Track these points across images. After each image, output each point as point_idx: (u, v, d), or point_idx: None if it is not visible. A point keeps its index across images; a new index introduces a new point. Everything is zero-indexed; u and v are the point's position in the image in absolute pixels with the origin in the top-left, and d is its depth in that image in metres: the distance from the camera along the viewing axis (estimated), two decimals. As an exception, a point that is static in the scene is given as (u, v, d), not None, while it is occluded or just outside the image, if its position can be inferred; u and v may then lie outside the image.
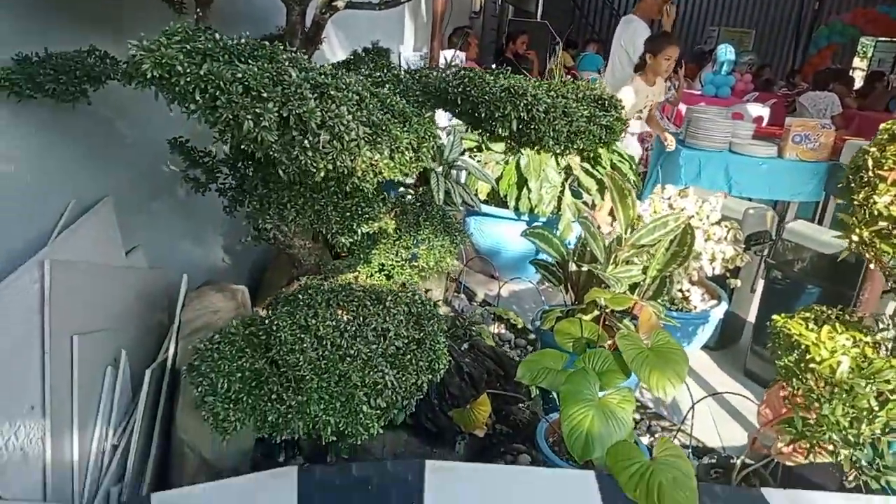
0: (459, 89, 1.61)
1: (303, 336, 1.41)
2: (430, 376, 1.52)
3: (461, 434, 2.26)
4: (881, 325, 1.81)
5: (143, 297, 2.16)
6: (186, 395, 1.79)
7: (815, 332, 1.64)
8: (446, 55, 4.85)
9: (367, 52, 2.52)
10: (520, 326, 3.21)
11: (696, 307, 3.00)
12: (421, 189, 3.09)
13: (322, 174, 1.22)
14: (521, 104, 1.52)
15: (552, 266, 2.55)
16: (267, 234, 1.90)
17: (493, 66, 8.02)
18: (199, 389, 1.47)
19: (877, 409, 1.47)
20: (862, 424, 1.48)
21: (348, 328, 1.46)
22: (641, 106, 4.32)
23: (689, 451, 2.47)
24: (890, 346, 1.75)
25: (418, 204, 2.48)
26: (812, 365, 1.57)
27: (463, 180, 3.55)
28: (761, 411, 1.96)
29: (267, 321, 1.48)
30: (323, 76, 1.24)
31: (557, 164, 3.72)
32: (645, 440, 2.65)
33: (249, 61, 1.21)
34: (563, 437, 1.61)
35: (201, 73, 1.16)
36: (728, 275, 3.04)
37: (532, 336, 3.30)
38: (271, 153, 1.20)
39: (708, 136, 4.15)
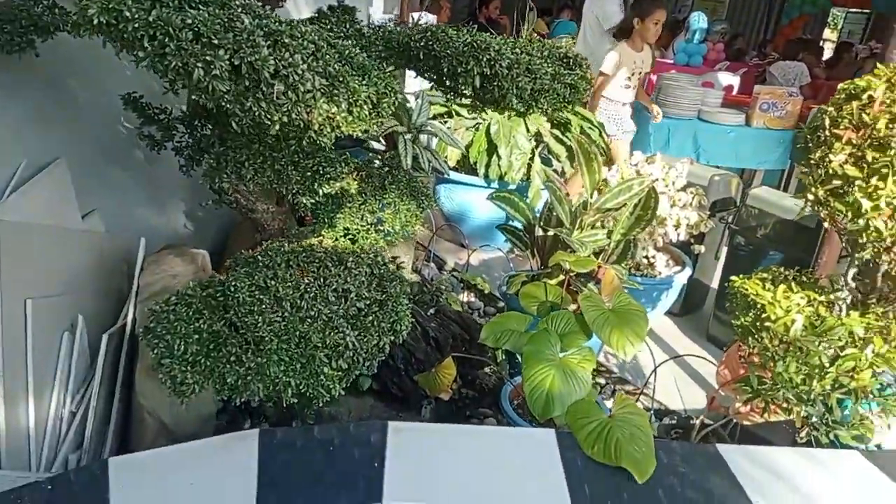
0: (422, 44, 1.58)
1: (262, 297, 1.39)
2: (393, 337, 1.51)
3: (427, 399, 2.27)
4: (836, 286, 1.84)
5: (101, 262, 2.10)
6: (144, 360, 1.76)
7: (771, 292, 1.67)
8: (420, 17, 4.76)
9: (332, 10, 2.46)
10: (487, 292, 3.21)
11: (660, 273, 3.04)
12: (389, 154, 3.05)
13: (277, 127, 1.19)
14: (484, 59, 1.50)
15: (519, 231, 2.55)
16: (227, 197, 1.86)
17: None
18: (156, 352, 1.44)
19: (827, 366, 1.51)
20: (813, 381, 1.52)
21: (309, 289, 1.43)
22: (630, 73, 4.15)
23: (652, 412, 2.52)
24: (843, 305, 1.79)
25: (385, 168, 2.45)
26: (767, 323, 1.60)
27: (433, 147, 3.51)
28: (720, 371, 2.00)
29: (225, 282, 1.45)
30: (277, 23, 1.20)
31: (527, 130, 3.70)
32: (609, 404, 2.70)
33: (200, 7, 1.16)
34: (526, 399, 1.63)
35: (150, 19, 1.11)
36: (692, 241, 3.08)
37: (501, 304, 3.32)
38: (223, 104, 1.16)
39: (678, 103, 4.16)
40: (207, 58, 1.09)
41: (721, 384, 2.01)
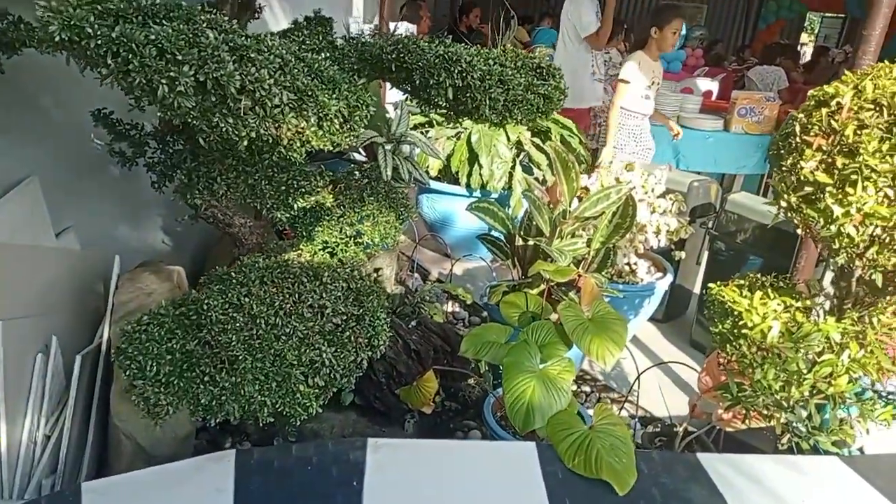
0: (393, 56, 1.57)
1: (235, 315, 1.37)
2: (370, 353, 1.50)
3: (410, 412, 2.25)
4: (813, 291, 1.85)
5: (76, 281, 2.07)
6: (119, 381, 1.73)
7: (748, 299, 1.67)
8: (398, 27, 4.76)
9: (308, 21, 2.45)
10: (469, 302, 3.20)
11: (642, 279, 3.04)
12: (370, 165, 3.04)
13: (245, 142, 1.17)
14: (456, 71, 1.49)
15: (500, 241, 2.54)
16: (204, 212, 1.84)
17: (448, 37, 7.93)
18: (128, 373, 1.41)
19: (805, 372, 1.51)
20: (792, 388, 1.52)
21: (283, 306, 1.42)
22: (649, 82, 4.02)
23: (636, 420, 2.52)
24: (820, 310, 1.80)
25: (364, 179, 2.43)
26: (745, 331, 1.60)
27: (415, 156, 3.50)
28: (701, 378, 2.00)
29: (198, 301, 1.43)
30: (243, 38, 1.18)
31: (508, 139, 3.71)
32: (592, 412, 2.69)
33: (164, 22, 1.15)
34: (506, 412, 1.62)
35: (113, 35, 1.10)
36: (673, 247, 3.09)
37: (485, 314, 3.31)
38: (189, 120, 1.15)
39: (657, 110, 4.18)
40: (172, 74, 1.08)
41: (702, 391, 2.01)
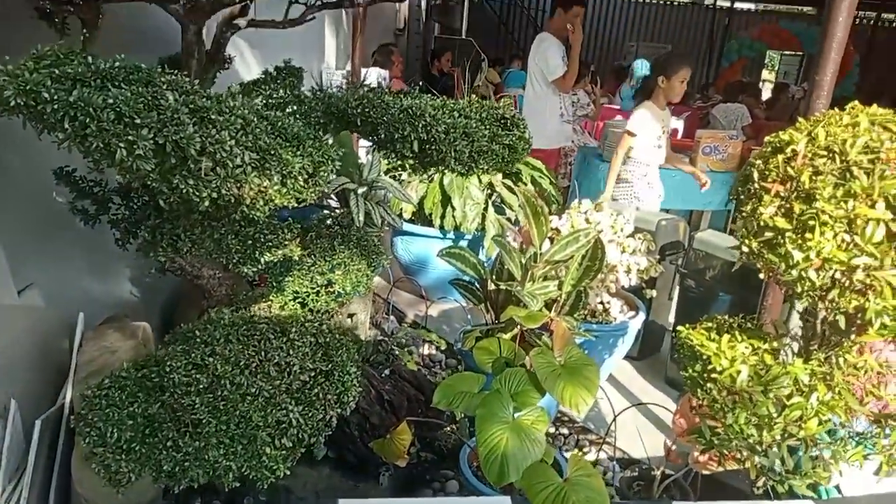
0: (359, 111, 1.58)
1: (199, 376, 1.34)
2: (340, 410, 1.47)
3: (385, 465, 2.20)
4: (780, 331, 1.88)
5: (39, 339, 2.01)
6: (80, 447, 1.67)
7: (716, 342, 1.69)
8: (369, 73, 4.82)
9: (278, 71, 2.47)
10: (443, 348, 3.18)
11: (615, 318, 3.06)
12: (341, 211, 3.04)
13: (206, 203, 1.16)
14: (420, 125, 1.51)
15: (472, 285, 2.54)
16: (171, 266, 1.81)
17: (420, 83, 8.07)
18: (88, 441, 1.36)
19: (775, 416, 1.52)
20: (763, 431, 1.52)
21: (249, 364, 1.39)
22: (659, 133, 4.00)
23: (614, 462, 2.50)
24: (789, 350, 1.82)
25: (335, 227, 2.43)
26: (714, 375, 1.61)
27: (388, 200, 3.51)
28: (675, 421, 2.00)
29: (160, 362, 1.39)
30: (204, 100, 1.18)
31: (480, 181, 3.74)
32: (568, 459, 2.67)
33: (123, 86, 1.14)
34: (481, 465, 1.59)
35: (70, 99, 1.09)
36: (644, 285, 3.12)
37: (461, 357, 3.29)
38: (149, 182, 1.13)
39: (624, 150, 4.26)
40: (130, 137, 1.07)
41: (677, 434, 2.00)
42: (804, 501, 1.51)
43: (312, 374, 1.45)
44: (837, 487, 1.86)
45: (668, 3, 14.45)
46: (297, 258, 1.88)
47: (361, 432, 2.01)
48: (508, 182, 3.82)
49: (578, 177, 4.69)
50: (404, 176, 3.88)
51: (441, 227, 3.77)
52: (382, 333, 3.61)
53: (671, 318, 3.56)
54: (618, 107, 7.42)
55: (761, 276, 1.60)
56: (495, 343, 2.14)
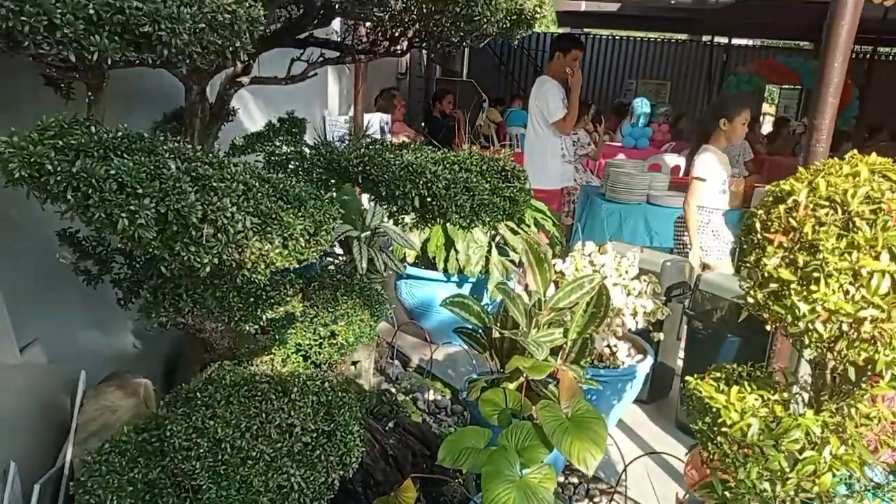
0: (360, 168, 1.60)
1: (199, 440, 1.32)
2: (342, 472, 1.44)
3: (390, 521, 2.16)
4: (790, 379, 1.84)
5: (40, 397, 1.99)
6: (80, 508, 1.64)
7: (725, 394, 1.66)
8: (372, 119, 4.89)
9: (282, 123, 2.50)
10: (448, 396, 3.14)
11: (623, 363, 3.02)
12: (344, 259, 3.04)
13: (208, 269, 1.16)
14: (421, 182, 1.52)
15: (476, 333, 2.53)
16: (174, 323, 1.80)
17: (423, 123, 8.18)
18: (86, 506, 1.34)
19: (788, 470, 1.48)
20: (776, 486, 1.48)
21: (250, 427, 1.37)
22: (725, 177, 3.86)
23: (626, 514, 2.44)
24: (799, 399, 1.78)
25: (337, 276, 2.43)
26: (724, 429, 1.58)
27: (392, 244, 3.52)
28: (687, 472, 1.96)
29: (161, 425, 1.38)
30: (206, 166, 1.20)
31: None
32: (583, 505, 2.61)
33: (126, 155, 1.16)
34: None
35: (73, 170, 1.10)
36: (651, 328, 3.09)
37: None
38: (151, 250, 1.14)
39: (626, 189, 4.29)
40: (132, 207, 1.08)
41: (689, 485, 1.96)
42: (822, 561, 1.46)
43: (314, 434, 1.43)
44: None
45: (666, 40, 14.70)
46: (299, 311, 1.87)
47: (365, 489, 1.98)
48: (511, 224, 3.83)
49: (582, 216, 4.70)
50: (407, 220, 3.90)
51: (445, 271, 3.77)
52: (387, 379, 3.58)
53: (680, 360, 3.52)
54: (619, 144, 7.49)
55: (768, 327, 1.58)
56: (501, 394, 2.12)
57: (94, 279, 1.64)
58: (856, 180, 1.49)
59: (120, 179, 1.09)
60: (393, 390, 2.93)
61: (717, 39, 12.38)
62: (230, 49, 1.20)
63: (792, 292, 1.44)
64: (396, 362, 3.82)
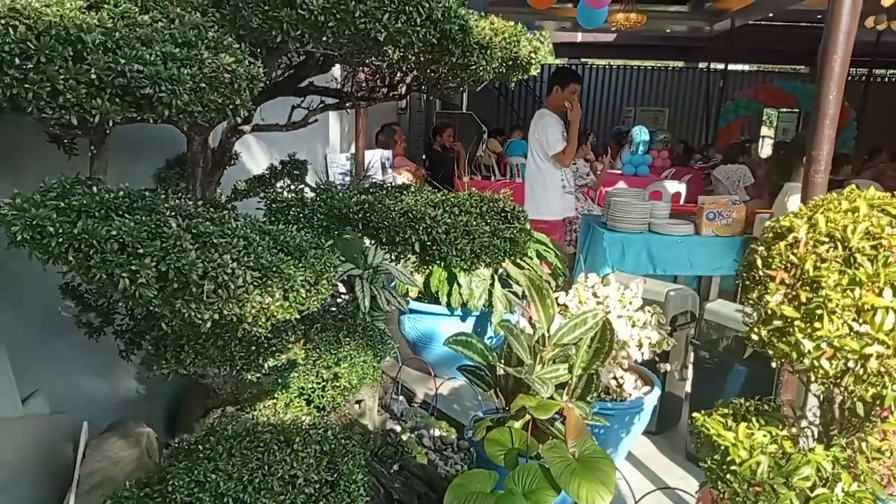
0: (360, 215, 1.61)
1: (201, 496, 1.31)
2: (346, 521, 1.42)
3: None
4: (798, 413, 1.83)
5: (43, 448, 1.98)
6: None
7: (733, 431, 1.64)
8: (373, 155, 4.94)
9: (284, 165, 2.53)
10: (453, 437, 3.11)
11: (630, 395, 3.00)
12: (347, 297, 3.04)
13: (209, 324, 1.17)
14: (421, 227, 1.53)
15: (480, 371, 2.51)
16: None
17: (424, 157, 8.25)
18: (88, 565, 1.32)
19: (800, 510, 1.46)
20: (789, 527, 1.46)
21: (252, 480, 1.36)
22: None
23: (638, 553, 2.40)
24: (809, 433, 1.76)
25: (340, 316, 2.43)
26: (733, 467, 1.56)
27: (395, 280, 3.52)
28: (698, 511, 1.92)
29: (163, 479, 1.37)
30: (207, 223, 1.21)
31: (485, 257, 3.76)
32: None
33: (127, 215, 1.17)
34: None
35: (75, 231, 1.11)
36: (657, 359, 3.07)
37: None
38: (152, 308, 1.14)
39: (628, 218, 4.30)
40: (133, 267, 1.09)
41: (701, 525, 1.92)
42: None
43: (317, 486, 1.42)
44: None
45: (664, 67, 14.88)
46: (301, 356, 1.87)
47: (372, 535, 1.95)
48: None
49: (584, 246, 4.70)
50: (409, 263, 3.91)
51: (448, 305, 3.76)
52: (392, 416, 3.55)
53: (688, 389, 3.49)
54: (619, 171, 7.53)
55: (773, 364, 1.57)
56: (506, 433, 2.10)
57: (96, 331, 1.65)
58: (855, 216, 1.50)
59: (121, 239, 1.10)
60: (398, 429, 2.90)
61: (714, 65, 12.53)
62: (230, 107, 1.23)
63: (796, 329, 1.44)
64: (401, 398, 3.79)
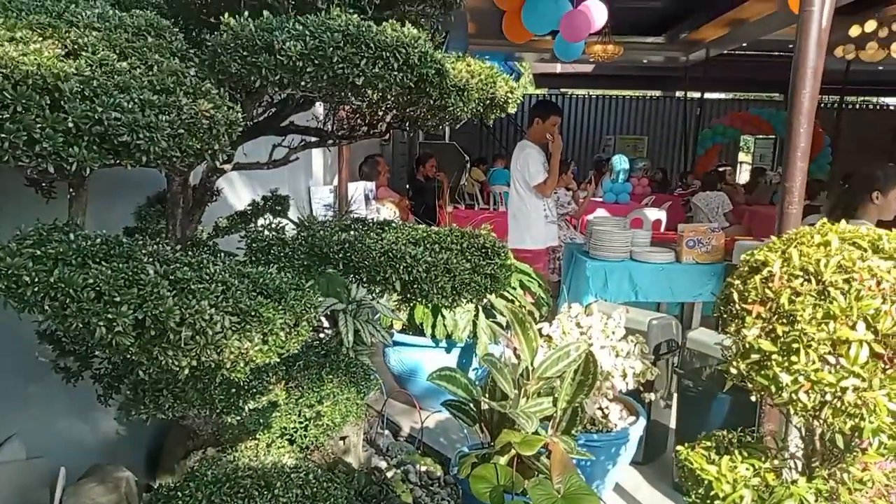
0: (340, 255, 1.61)
1: (180, 545, 1.28)
2: (328, 568, 1.40)
3: None
4: (780, 444, 1.83)
5: (18, 495, 1.93)
6: None
7: (716, 465, 1.64)
8: (356, 188, 4.95)
9: (266, 201, 2.53)
10: (438, 474, 3.08)
11: (615, 425, 2.99)
12: (331, 333, 3.03)
13: (186, 371, 1.16)
14: (402, 267, 1.53)
15: (465, 406, 2.50)
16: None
17: (407, 186, 8.29)
18: None
19: (784, 545, 1.46)
20: (774, 562, 1.45)
21: (232, 527, 1.34)
22: None
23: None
24: (792, 465, 1.77)
25: (323, 353, 2.41)
26: (717, 501, 1.56)
27: (377, 314, 3.51)
28: (684, 546, 1.91)
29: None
30: (185, 268, 1.20)
31: (469, 289, 3.76)
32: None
33: (104, 262, 1.16)
34: None
35: (51, 280, 1.10)
36: (642, 388, 3.07)
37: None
38: (128, 356, 1.13)
39: (609, 247, 4.34)
40: (110, 315, 1.08)
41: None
42: None
43: (299, 531, 1.40)
44: None
45: (642, 97, 15.19)
46: (283, 398, 1.85)
47: (356, 578, 1.91)
48: (497, 288, 3.84)
49: (567, 274, 4.73)
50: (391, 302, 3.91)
51: (433, 336, 3.75)
52: (377, 451, 3.50)
53: (673, 416, 3.49)
54: (601, 199, 7.61)
55: (752, 398, 1.58)
56: (492, 469, 2.08)
57: (73, 376, 1.62)
58: (827, 249, 1.52)
59: (98, 288, 1.09)
60: (383, 466, 2.86)
61: (691, 94, 12.80)
62: (209, 152, 1.23)
63: (773, 363, 1.45)
64: (387, 432, 3.75)
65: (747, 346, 1.51)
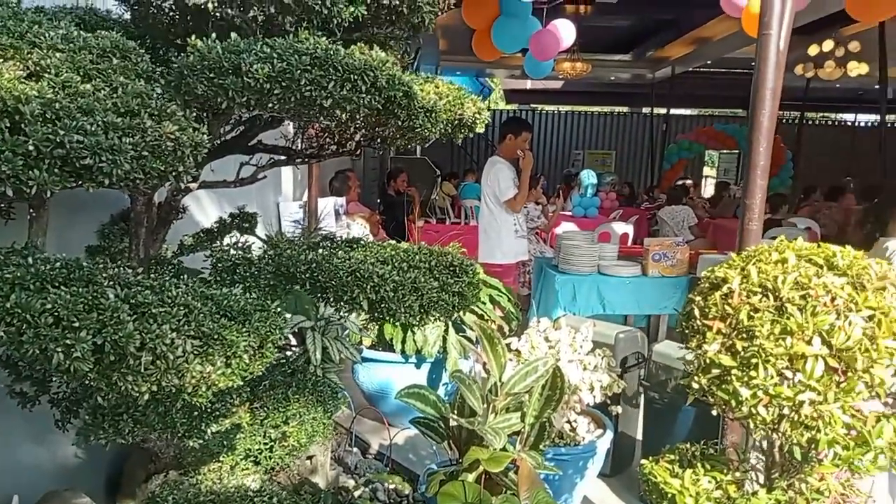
0: (307, 275, 1.61)
1: (140, 574, 1.25)
2: (295, 592, 1.38)
3: None
4: (742, 456, 1.87)
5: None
6: None
7: (679, 479, 1.67)
8: (326, 203, 4.93)
9: (233, 218, 2.51)
10: (406, 493, 3.06)
11: (584, 438, 3.01)
12: (298, 351, 3.00)
13: (146, 397, 1.14)
14: (369, 287, 1.54)
15: (434, 423, 2.49)
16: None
17: (378, 201, 8.28)
18: None
19: (746, 558, 1.49)
20: (737, 575, 1.48)
21: (195, 553, 1.31)
22: None
23: None
24: (753, 478, 1.81)
25: (289, 371, 2.39)
26: (681, 516, 1.59)
27: (346, 330, 3.49)
28: (650, 559, 1.93)
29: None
30: (146, 291, 1.19)
31: (439, 304, 3.77)
32: None
33: (63, 287, 1.14)
34: None
35: (7, 305, 1.08)
36: (609, 401, 3.11)
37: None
38: (87, 382, 1.11)
39: (578, 261, 4.40)
40: (68, 341, 1.06)
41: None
42: None
43: (265, 556, 1.38)
44: None
45: (610, 112, 15.48)
46: (247, 420, 1.83)
47: None
48: (467, 303, 3.85)
49: (537, 288, 4.77)
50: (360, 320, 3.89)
51: (403, 352, 3.74)
52: (346, 470, 3.47)
53: (640, 428, 3.53)
54: (569, 213, 7.71)
55: (714, 412, 1.61)
56: (460, 487, 2.08)
57: (30, 401, 1.58)
58: (784, 266, 1.57)
59: (56, 313, 1.07)
60: (351, 485, 2.84)
61: (657, 110, 13.08)
62: (173, 174, 1.22)
63: (733, 378, 1.49)
64: (355, 449, 3.72)
65: (708, 361, 1.54)
